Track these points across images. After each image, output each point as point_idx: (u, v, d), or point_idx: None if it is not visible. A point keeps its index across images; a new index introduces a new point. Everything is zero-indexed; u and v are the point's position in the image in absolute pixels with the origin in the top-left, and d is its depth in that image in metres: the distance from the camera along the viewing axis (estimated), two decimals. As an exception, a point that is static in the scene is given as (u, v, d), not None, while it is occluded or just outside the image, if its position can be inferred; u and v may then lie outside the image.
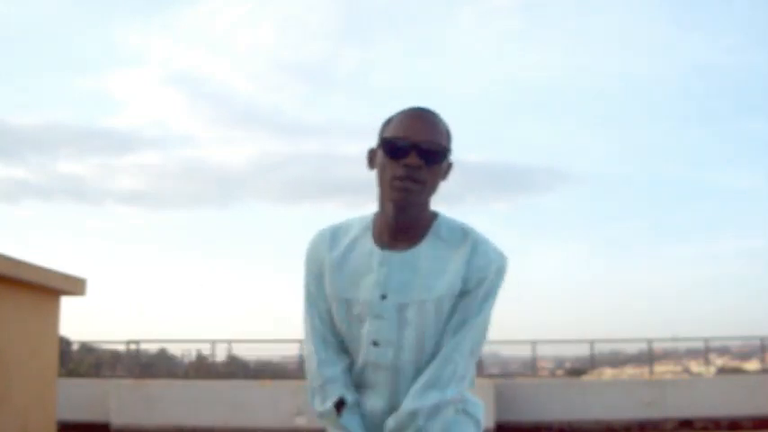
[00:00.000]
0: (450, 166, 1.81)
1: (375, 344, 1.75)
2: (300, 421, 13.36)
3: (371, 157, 1.82)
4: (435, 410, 1.70)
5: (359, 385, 1.82)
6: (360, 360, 1.79)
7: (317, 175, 34.53)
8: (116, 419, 13.90)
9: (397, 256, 1.77)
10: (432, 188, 1.76)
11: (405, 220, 1.77)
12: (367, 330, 1.76)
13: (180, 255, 36.27)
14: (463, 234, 1.78)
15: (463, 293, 1.74)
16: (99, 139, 34.12)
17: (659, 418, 14.14)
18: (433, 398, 1.70)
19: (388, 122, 1.81)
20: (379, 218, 1.82)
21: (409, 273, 1.75)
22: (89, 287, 9.90)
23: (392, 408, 1.76)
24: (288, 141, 37.19)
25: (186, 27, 33.25)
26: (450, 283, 1.73)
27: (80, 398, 13.75)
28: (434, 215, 1.82)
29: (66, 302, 9.74)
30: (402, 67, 36.18)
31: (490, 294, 1.77)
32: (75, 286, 9.59)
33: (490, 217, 34.20)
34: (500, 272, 1.78)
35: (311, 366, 1.83)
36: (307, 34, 33.98)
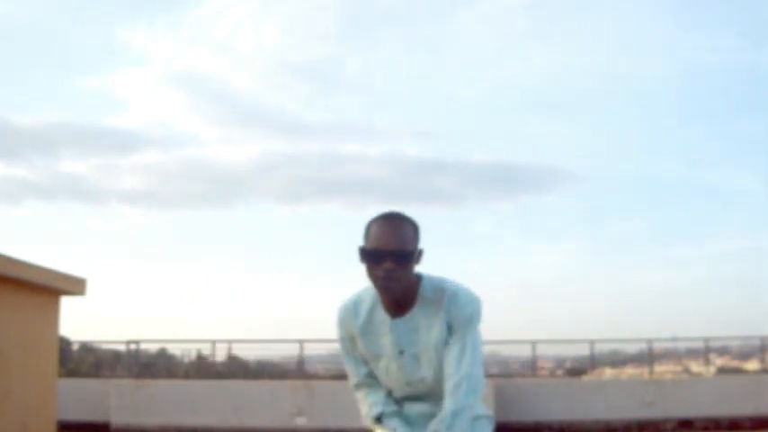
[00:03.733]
0: (421, 252, 2.35)
1: (408, 384, 2.46)
2: (300, 421, 13.38)
3: (361, 253, 2.32)
4: (463, 410, 2.33)
5: (402, 400, 2.53)
6: (398, 393, 2.51)
7: (318, 175, 34.60)
8: (116, 419, 13.92)
9: (401, 322, 2.40)
10: (408, 277, 2.31)
11: (397, 300, 2.37)
12: (398, 375, 2.46)
13: (180, 255, 36.33)
14: (441, 292, 2.36)
15: (451, 332, 2.36)
16: (102, 138, 34.18)
17: (659, 418, 14.16)
18: (463, 398, 2.33)
19: (368, 229, 2.33)
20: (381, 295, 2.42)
21: (412, 332, 2.40)
22: (89, 287, 9.91)
23: (434, 409, 2.43)
24: (290, 141, 37.28)
25: (190, 27, 33.30)
26: (440, 333, 2.37)
27: (80, 398, 13.77)
28: (419, 279, 2.38)
29: (67, 302, 9.76)
30: (404, 68, 36.20)
31: (471, 326, 2.36)
32: (75, 286, 9.60)
33: (492, 216, 34.30)
34: (475, 313, 2.37)
35: (359, 392, 2.56)
36: (309, 35, 34.03)
